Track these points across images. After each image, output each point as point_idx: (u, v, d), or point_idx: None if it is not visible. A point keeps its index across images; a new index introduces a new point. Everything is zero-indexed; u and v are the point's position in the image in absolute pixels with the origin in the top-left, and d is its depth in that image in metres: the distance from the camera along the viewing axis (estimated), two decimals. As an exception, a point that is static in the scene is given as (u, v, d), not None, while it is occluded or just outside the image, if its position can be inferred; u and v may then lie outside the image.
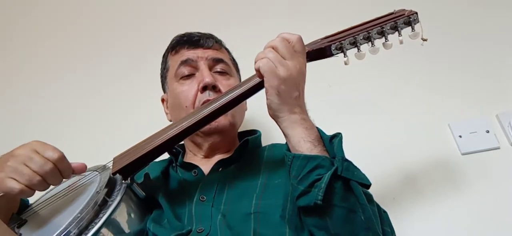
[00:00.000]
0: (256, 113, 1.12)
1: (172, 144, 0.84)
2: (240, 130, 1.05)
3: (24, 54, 1.54)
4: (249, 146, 0.96)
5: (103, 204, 0.74)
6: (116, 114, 1.34)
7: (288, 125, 0.76)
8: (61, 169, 0.73)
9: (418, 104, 1.22)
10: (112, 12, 1.58)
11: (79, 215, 0.71)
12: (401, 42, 0.78)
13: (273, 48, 0.76)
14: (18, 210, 0.83)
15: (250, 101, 1.00)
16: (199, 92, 0.95)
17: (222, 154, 0.97)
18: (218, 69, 1.00)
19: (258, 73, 0.77)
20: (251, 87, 0.81)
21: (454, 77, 1.26)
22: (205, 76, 0.95)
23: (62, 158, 0.73)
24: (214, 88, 0.95)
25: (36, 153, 0.71)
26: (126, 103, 1.37)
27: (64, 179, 0.75)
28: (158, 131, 0.88)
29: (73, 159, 0.77)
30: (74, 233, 0.68)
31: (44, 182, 0.71)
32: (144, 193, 0.83)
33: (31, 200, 0.85)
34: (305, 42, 0.83)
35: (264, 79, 0.75)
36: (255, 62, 0.77)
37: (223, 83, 0.98)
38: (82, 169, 0.78)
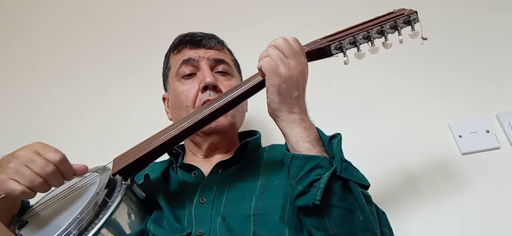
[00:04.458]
0: (256, 113, 1.12)
1: (172, 144, 0.84)
2: (240, 130, 1.05)
3: (26, 55, 1.54)
4: (249, 147, 0.96)
5: (103, 205, 0.74)
6: (117, 115, 1.35)
7: (287, 124, 0.76)
8: (62, 171, 0.73)
9: (418, 104, 1.22)
10: (114, 14, 1.58)
11: (79, 216, 0.71)
12: (401, 42, 0.78)
13: (275, 47, 0.76)
14: (19, 212, 0.83)
15: (250, 102, 1.00)
16: (200, 92, 0.95)
17: (222, 155, 0.98)
18: (220, 70, 1.01)
19: (261, 72, 0.77)
20: (252, 86, 0.81)
21: (454, 77, 1.26)
22: (206, 76, 0.95)
23: (64, 159, 0.73)
24: (215, 88, 0.95)
25: (37, 154, 0.71)
26: (126, 104, 1.37)
27: (65, 181, 0.75)
28: (158, 132, 0.88)
29: (74, 159, 0.77)
30: (74, 234, 0.68)
31: (45, 184, 0.72)
32: (144, 194, 0.83)
33: (32, 201, 0.85)
34: (305, 42, 0.84)
35: (266, 77, 0.76)
36: (258, 61, 0.78)
37: (224, 84, 0.98)
38: (84, 170, 0.78)
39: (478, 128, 1.15)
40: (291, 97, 0.76)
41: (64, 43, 1.54)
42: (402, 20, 0.78)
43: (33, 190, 0.71)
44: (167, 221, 0.81)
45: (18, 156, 0.71)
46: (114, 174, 0.81)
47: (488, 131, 1.14)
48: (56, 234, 0.68)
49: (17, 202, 0.83)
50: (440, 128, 1.17)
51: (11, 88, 1.47)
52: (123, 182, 0.81)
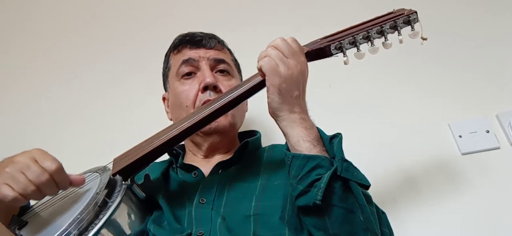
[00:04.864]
0: (256, 113, 1.12)
1: (172, 144, 0.84)
2: (240, 130, 1.05)
3: (26, 55, 1.54)
4: (249, 147, 0.96)
5: (103, 205, 0.74)
6: (117, 115, 1.35)
7: (287, 124, 0.76)
8: (57, 180, 0.72)
9: (418, 104, 1.22)
10: (114, 14, 1.58)
11: (79, 216, 0.71)
12: (400, 42, 0.78)
13: (274, 47, 0.76)
14: (19, 212, 0.83)
15: (250, 102, 1.00)
16: (200, 92, 0.95)
17: (222, 155, 0.98)
18: (220, 69, 1.01)
19: (261, 72, 0.77)
20: (252, 86, 0.81)
21: (454, 77, 1.26)
22: (206, 76, 0.95)
23: (60, 169, 0.72)
24: (215, 88, 0.95)
25: (34, 162, 0.70)
26: (126, 104, 1.37)
27: (60, 190, 0.75)
28: (158, 132, 0.88)
29: (73, 159, 0.77)
30: (74, 234, 0.68)
31: (38, 192, 0.71)
32: (144, 194, 0.83)
33: (32, 201, 0.85)
34: (305, 42, 0.84)
35: (266, 77, 0.76)
36: (258, 61, 0.78)
37: (224, 84, 0.98)
38: (80, 182, 0.77)
39: (478, 128, 1.15)
40: (291, 96, 0.76)
41: (64, 43, 1.54)
42: (402, 20, 0.78)
43: (25, 197, 0.70)
44: (167, 222, 0.81)
45: (16, 162, 0.71)
46: (114, 174, 0.81)
47: (488, 131, 1.14)
48: (56, 235, 0.68)
49: (15, 204, 0.83)
50: (440, 128, 1.17)
51: (11, 88, 1.47)
52: (123, 182, 0.81)
